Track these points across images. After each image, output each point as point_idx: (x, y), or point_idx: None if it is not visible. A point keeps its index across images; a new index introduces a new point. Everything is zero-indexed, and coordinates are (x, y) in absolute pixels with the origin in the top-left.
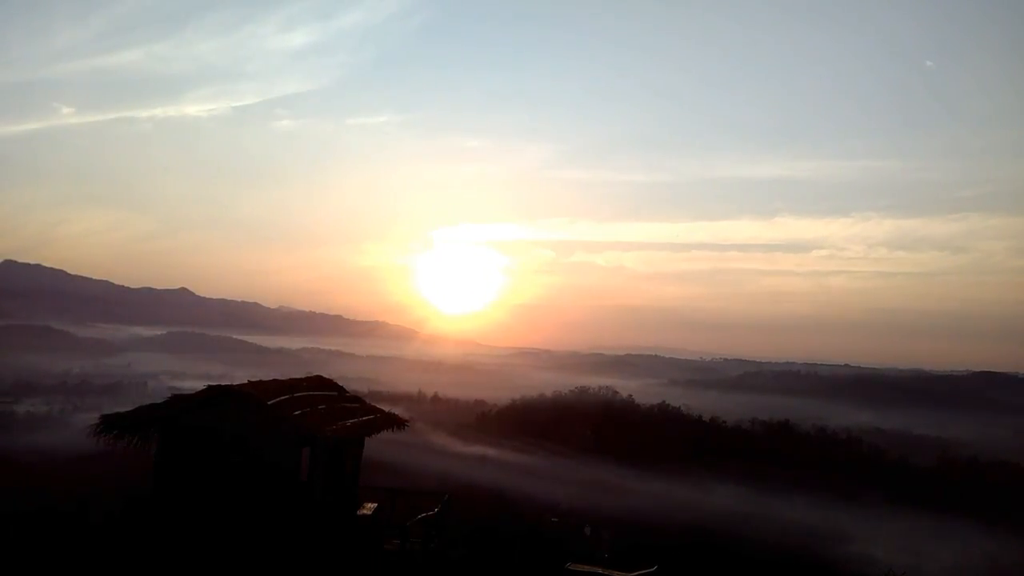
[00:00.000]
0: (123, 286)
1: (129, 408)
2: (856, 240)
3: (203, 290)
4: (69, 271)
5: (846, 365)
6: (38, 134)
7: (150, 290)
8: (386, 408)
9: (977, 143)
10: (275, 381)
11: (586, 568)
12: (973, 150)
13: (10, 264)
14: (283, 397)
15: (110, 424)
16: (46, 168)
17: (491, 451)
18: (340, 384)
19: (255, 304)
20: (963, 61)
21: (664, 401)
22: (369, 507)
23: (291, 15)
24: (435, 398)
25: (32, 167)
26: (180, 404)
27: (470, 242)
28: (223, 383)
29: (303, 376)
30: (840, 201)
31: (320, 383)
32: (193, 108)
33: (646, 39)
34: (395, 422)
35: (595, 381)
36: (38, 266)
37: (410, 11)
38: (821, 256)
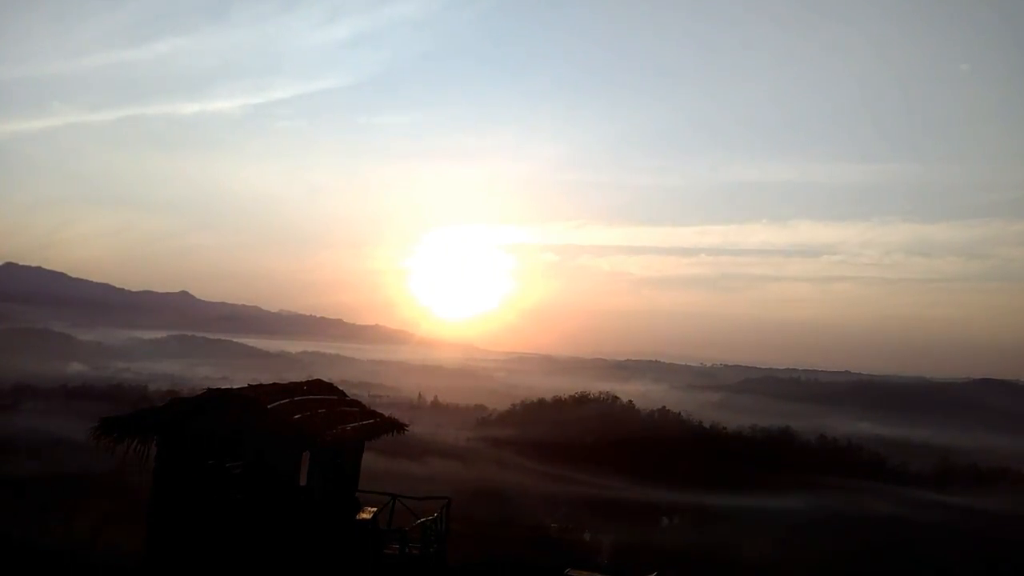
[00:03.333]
0: (123, 289)
1: (129, 411)
2: (872, 245)
3: (203, 293)
4: (70, 274)
5: (847, 372)
6: (40, 133)
7: (150, 293)
8: (386, 412)
9: (1001, 146)
10: (275, 385)
11: (586, 574)
12: (996, 154)
13: (11, 267)
14: (283, 401)
15: (109, 427)
16: (48, 169)
17: (491, 456)
18: (340, 388)
19: (255, 307)
20: (985, 63)
21: (664, 407)
22: (369, 511)
23: (333, 6)
24: (435, 402)
25: (34, 168)
26: (180, 407)
27: (474, 245)
28: (223, 386)
29: (303, 380)
30: (859, 205)
31: (320, 387)
32: (204, 107)
33: (657, 40)
34: (395, 426)
35: (596, 386)
36: (39, 269)
37: (438, 11)
38: (832, 262)
